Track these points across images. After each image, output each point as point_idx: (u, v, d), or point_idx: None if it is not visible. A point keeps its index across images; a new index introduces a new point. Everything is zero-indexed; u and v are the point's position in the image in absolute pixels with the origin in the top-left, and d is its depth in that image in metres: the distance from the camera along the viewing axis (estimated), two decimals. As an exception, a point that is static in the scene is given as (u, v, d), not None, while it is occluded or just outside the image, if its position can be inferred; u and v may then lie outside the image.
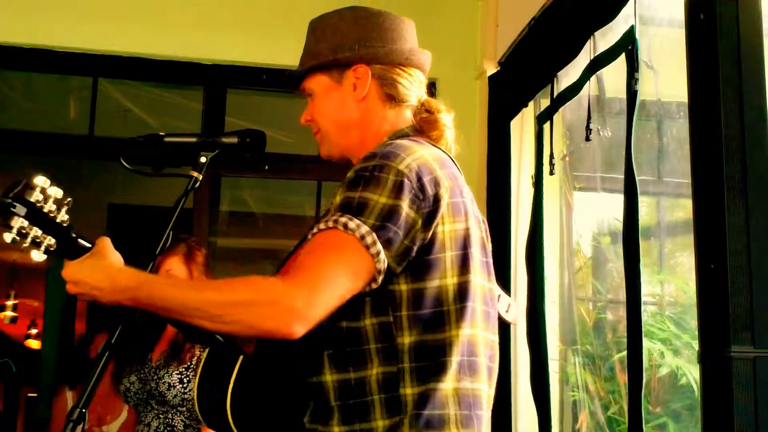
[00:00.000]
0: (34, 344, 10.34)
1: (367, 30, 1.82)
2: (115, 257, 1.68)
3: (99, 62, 4.16)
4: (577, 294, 3.59)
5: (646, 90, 2.90)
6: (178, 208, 1.81)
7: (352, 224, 1.54)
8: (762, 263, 2.09)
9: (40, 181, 1.70)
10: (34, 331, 10.59)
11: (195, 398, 1.78)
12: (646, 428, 2.48)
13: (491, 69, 4.04)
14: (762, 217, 2.12)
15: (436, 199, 1.63)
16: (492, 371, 1.73)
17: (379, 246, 1.54)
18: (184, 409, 3.12)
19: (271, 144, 1.95)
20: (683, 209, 3.18)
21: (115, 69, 4.25)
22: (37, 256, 1.70)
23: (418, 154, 1.66)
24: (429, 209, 1.61)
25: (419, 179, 1.61)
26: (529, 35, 3.58)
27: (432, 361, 1.61)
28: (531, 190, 3.59)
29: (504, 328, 3.64)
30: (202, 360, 1.81)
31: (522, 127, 3.85)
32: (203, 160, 1.85)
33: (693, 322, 2.70)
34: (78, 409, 1.62)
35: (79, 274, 1.65)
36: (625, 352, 3.24)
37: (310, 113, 1.86)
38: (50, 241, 1.70)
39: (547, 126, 3.45)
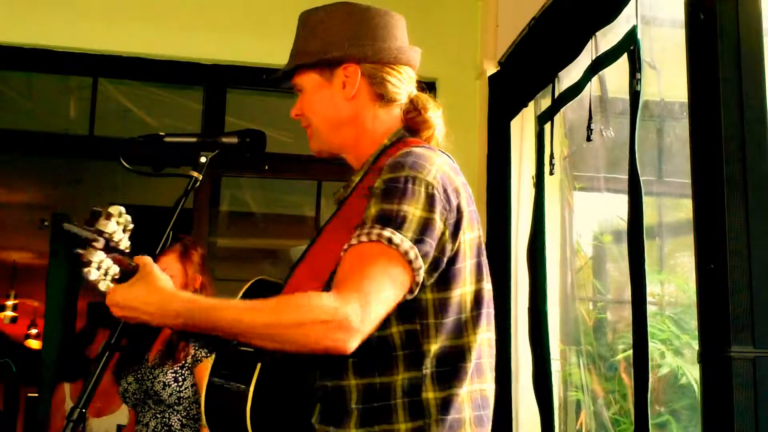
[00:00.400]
0: (34, 344, 10.34)
1: (356, 27, 1.82)
2: (164, 280, 1.65)
3: (99, 62, 4.17)
4: (577, 294, 3.59)
5: (649, 90, 2.90)
6: (178, 208, 1.81)
7: (396, 239, 1.57)
8: (762, 263, 2.09)
9: (116, 210, 1.68)
10: (34, 331, 10.59)
11: (204, 406, 1.77)
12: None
13: (491, 69, 4.04)
14: (762, 217, 2.12)
15: (459, 210, 1.68)
16: (493, 368, 1.77)
17: (421, 261, 1.58)
18: (181, 407, 3.12)
19: (271, 144, 1.95)
20: (684, 209, 3.17)
21: (115, 69, 4.25)
22: (105, 286, 1.65)
23: (438, 165, 1.70)
24: (454, 220, 1.66)
25: (445, 190, 1.66)
26: (529, 35, 3.58)
27: (452, 366, 1.65)
28: (531, 191, 3.59)
29: (505, 328, 3.66)
30: (209, 366, 1.79)
31: (522, 127, 3.85)
32: (203, 160, 1.85)
33: (693, 322, 2.69)
34: (78, 409, 1.62)
35: (130, 298, 1.62)
36: (625, 353, 3.24)
37: (300, 108, 1.86)
38: (116, 270, 1.68)
39: (548, 126, 3.45)
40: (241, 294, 1.80)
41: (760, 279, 2.08)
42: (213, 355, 1.83)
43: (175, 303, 1.60)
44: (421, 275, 1.59)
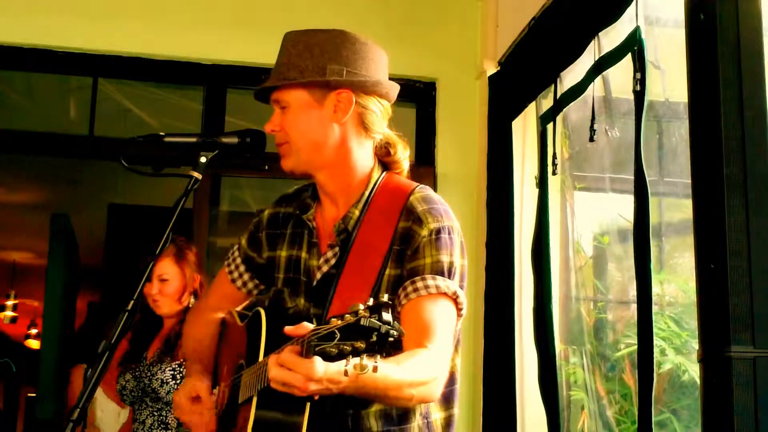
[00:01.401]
0: (34, 344, 10.34)
1: (354, 56, 1.84)
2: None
3: (99, 62, 4.16)
4: (577, 294, 3.59)
5: (653, 90, 2.89)
6: (178, 208, 1.81)
7: (459, 292, 1.79)
8: (762, 263, 2.09)
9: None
10: (34, 331, 10.59)
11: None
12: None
13: (491, 69, 4.03)
14: (762, 217, 2.12)
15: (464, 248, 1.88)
16: None
17: (464, 307, 1.82)
18: (178, 405, 3.13)
19: (271, 144, 1.95)
20: (685, 209, 3.17)
21: (115, 69, 4.25)
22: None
23: (448, 208, 1.88)
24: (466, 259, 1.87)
25: (460, 234, 1.86)
26: (530, 35, 3.58)
27: (449, 388, 1.85)
28: (533, 191, 3.59)
29: (509, 328, 3.66)
30: (254, 402, 1.75)
31: (525, 127, 3.85)
32: (203, 160, 1.85)
33: (693, 322, 2.69)
34: (78, 409, 1.62)
35: (325, 371, 1.50)
36: (624, 352, 3.24)
37: (279, 124, 1.87)
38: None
39: (550, 126, 3.44)
40: (264, 332, 1.80)
41: (760, 279, 2.08)
42: None
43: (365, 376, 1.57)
44: (461, 319, 1.83)
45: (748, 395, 2.03)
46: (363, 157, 1.89)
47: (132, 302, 1.73)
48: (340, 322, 1.41)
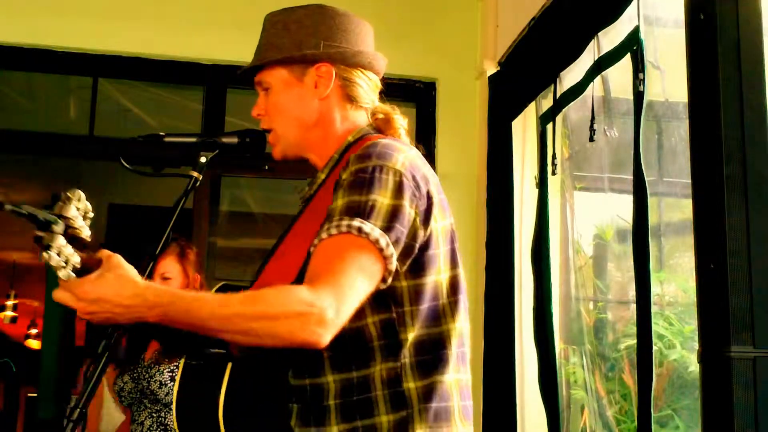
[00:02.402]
0: (34, 344, 10.34)
1: (332, 29, 1.81)
2: (134, 271, 1.57)
3: (99, 62, 4.16)
4: (577, 293, 3.59)
5: (652, 90, 2.89)
6: (178, 208, 1.80)
7: (366, 228, 1.55)
8: (762, 263, 2.09)
9: (75, 195, 1.62)
10: (34, 331, 10.59)
11: (174, 409, 1.76)
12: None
13: (491, 69, 4.03)
14: (762, 217, 2.12)
15: (429, 196, 1.66)
16: (468, 360, 1.78)
17: (392, 248, 1.57)
18: (176, 407, 3.13)
19: (271, 144, 1.95)
20: (685, 209, 3.17)
21: (115, 69, 4.25)
22: (65, 274, 1.57)
23: (406, 153, 1.68)
24: (425, 206, 1.65)
25: (413, 177, 1.64)
26: (530, 35, 3.58)
27: (433, 354, 1.64)
28: (533, 191, 3.59)
29: (509, 328, 3.66)
30: (180, 368, 1.77)
31: (524, 127, 3.85)
32: (203, 160, 1.85)
33: (693, 322, 2.69)
34: (78, 409, 1.62)
35: (98, 290, 1.53)
36: (625, 352, 3.24)
37: (263, 107, 1.84)
38: (77, 258, 1.61)
39: (550, 126, 3.45)
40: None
41: (760, 279, 2.08)
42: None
43: (150, 293, 1.53)
44: (394, 263, 1.58)
45: (748, 395, 2.03)
46: (346, 125, 1.82)
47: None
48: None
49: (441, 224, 1.69)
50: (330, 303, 1.50)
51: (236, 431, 1.64)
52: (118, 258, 1.59)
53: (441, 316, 1.67)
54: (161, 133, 1.86)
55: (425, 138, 4.28)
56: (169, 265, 3.30)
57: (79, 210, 1.63)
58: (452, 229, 1.73)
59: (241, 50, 4.16)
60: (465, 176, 4.16)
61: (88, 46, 4.11)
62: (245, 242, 6.28)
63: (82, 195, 1.63)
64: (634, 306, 2.76)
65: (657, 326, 3.08)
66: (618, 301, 3.52)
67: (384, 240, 1.56)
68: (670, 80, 3.11)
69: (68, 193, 1.59)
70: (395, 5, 4.31)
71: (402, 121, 1.86)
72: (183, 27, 4.16)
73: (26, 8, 4.06)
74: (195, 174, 1.83)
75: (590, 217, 3.67)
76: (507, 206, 3.73)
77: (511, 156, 3.76)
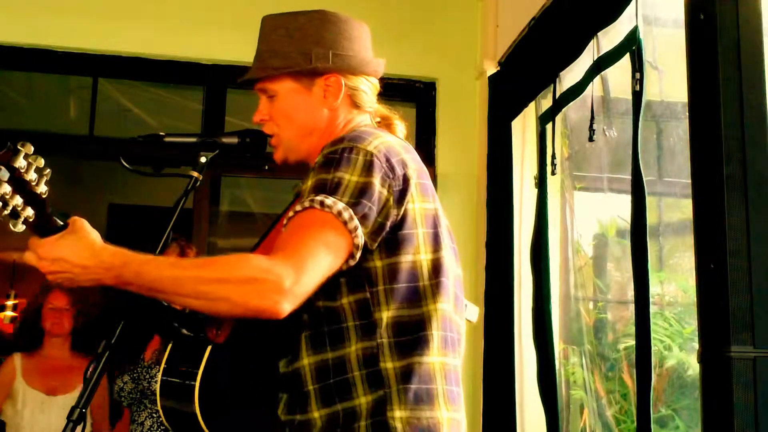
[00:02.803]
0: (34, 344, 10.33)
1: (336, 37, 1.81)
2: (96, 235, 1.60)
3: (99, 62, 4.16)
4: (577, 293, 3.59)
5: (651, 90, 2.89)
6: (178, 208, 1.81)
7: (328, 201, 1.55)
8: (762, 263, 2.09)
9: (25, 147, 1.60)
10: (34, 331, 10.57)
11: (158, 397, 1.76)
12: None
13: (491, 69, 4.03)
14: (762, 217, 2.12)
15: (405, 179, 1.66)
16: (462, 348, 1.76)
17: (356, 221, 1.56)
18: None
19: (271, 144, 1.95)
20: (685, 209, 3.17)
21: (115, 69, 4.25)
22: (16, 227, 1.61)
23: (383, 138, 1.69)
24: (399, 188, 1.64)
25: (387, 159, 1.64)
26: (530, 35, 3.58)
27: (412, 335, 1.63)
28: (533, 191, 3.59)
29: (509, 328, 3.66)
30: (165, 355, 1.78)
31: (524, 127, 3.85)
32: (203, 160, 1.85)
33: (693, 322, 2.70)
34: (78, 409, 1.62)
35: (58, 250, 1.58)
36: (625, 352, 3.24)
37: (268, 113, 1.83)
38: (29, 212, 1.62)
39: (549, 126, 3.45)
40: None
41: (760, 279, 2.08)
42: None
43: (106, 254, 1.55)
44: (360, 237, 1.57)
45: (748, 395, 2.03)
46: (348, 127, 1.82)
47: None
48: None
49: (420, 206, 1.68)
50: (287, 272, 1.49)
51: (215, 422, 1.64)
52: (83, 221, 1.62)
53: (422, 297, 1.65)
54: (161, 133, 1.86)
55: (425, 138, 4.28)
56: None
57: (30, 163, 1.61)
58: (436, 213, 1.72)
59: (241, 50, 4.15)
60: (465, 176, 4.16)
61: (88, 46, 4.11)
62: (245, 242, 6.27)
63: (32, 148, 1.60)
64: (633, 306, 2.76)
65: (656, 327, 3.08)
66: (618, 301, 3.52)
67: (347, 213, 1.55)
68: (669, 80, 3.11)
69: (18, 145, 1.58)
70: (395, 5, 4.31)
71: (401, 126, 1.88)
72: (183, 27, 4.16)
73: (26, 8, 4.06)
74: (195, 174, 1.83)
75: (590, 217, 3.67)
76: (507, 206, 3.73)
77: (511, 156, 3.76)
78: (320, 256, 1.53)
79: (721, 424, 2.06)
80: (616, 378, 3.33)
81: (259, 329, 1.60)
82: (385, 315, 1.62)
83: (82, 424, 1.61)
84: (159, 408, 1.75)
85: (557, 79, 3.34)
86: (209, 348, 1.66)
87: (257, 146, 1.90)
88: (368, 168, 1.61)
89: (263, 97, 1.85)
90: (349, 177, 1.59)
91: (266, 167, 4.00)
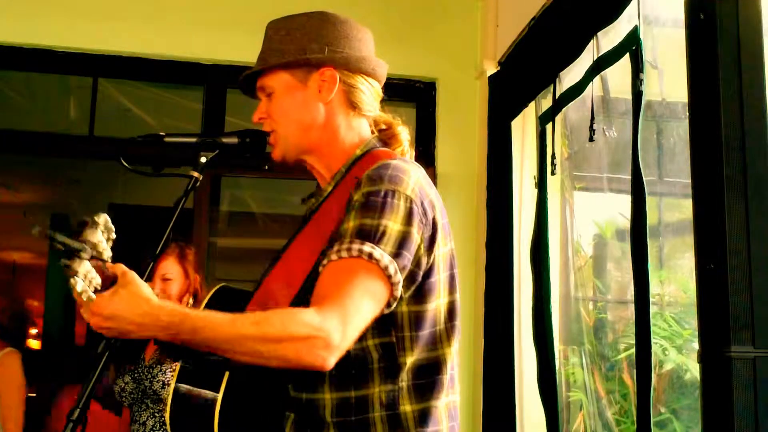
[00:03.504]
0: (34, 344, 10.34)
1: (335, 35, 1.82)
2: (147, 290, 1.58)
3: (99, 62, 4.16)
4: (577, 293, 3.59)
5: (651, 90, 2.89)
6: (178, 208, 1.80)
7: (376, 254, 1.57)
8: (762, 263, 2.09)
9: (102, 219, 1.64)
10: (34, 331, 10.59)
11: (168, 411, 1.76)
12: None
13: (491, 69, 4.03)
14: (762, 217, 2.12)
15: (434, 224, 1.69)
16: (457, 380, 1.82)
17: (399, 275, 1.59)
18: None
19: (271, 144, 1.94)
20: (685, 209, 3.17)
21: (115, 69, 4.25)
22: (87, 297, 1.61)
23: (416, 177, 1.70)
24: (429, 233, 1.67)
25: (422, 203, 1.66)
26: (530, 35, 3.58)
27: (429, 378, 1.68)
28: (533, 191, 3.59)
29: (508, 328, 3.66)
30: (176, 371, 1.78)
31: (524, 127, 3.85)
32: (203, 160, 1.84)
33: (693, 322, 2.70)
34: (78, 409, 1.62)
35: (113, 307, 1.56)
36: (625, 353, 3.24)
37: (266, 111, 1.85)
38: (98, 280, 1.64)
39: (549, 126, 3.44)
40: (205, 302, 1.78)
41: (760, 279, 2.08)
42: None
43: (164, 313, 1.55)
44: (399, 289, 1.60)
45: (748, 395, 2.03)
46: (351, 135, 1.83)
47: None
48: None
49: (443, 250, 1.71)
50: (336, 326, 1.52)
51: None
52: (132, 274, 1.60)
53: (437, 341, 1.70)
54: (161, 133, 1.86)
55: (425, 138, 4.28)
56: (170, 266, 3.30)
57: (103, 233, 1.66)
58: (452, 254, 1.75)
59: (241, 50, 4.16)
60: (465, 176, 4.16)
61: (88, 46, 4.11)
62: (245, 242, 6.27)
63: (107, 218, 1.66)
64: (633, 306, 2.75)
65: (656, 327, 3.08)
66: (618, 301, 3.52)
67: (393, 267, 1.58)
68: (669, 80, 3.11)
69: (95, 218, 1.62)
70: (395, 6, 4.31)
71: (406, 134, 1.88)
72: (183, 27, 4.16)
73: (26, 8, 4.06)
74: (195, 174, 1.83)
75: (590, 217, 3.67)
76: (506, 206, 3.73)
77: (511, 156, 3.76)
78: (365, 309, 1.57)
79: (721, 425, 2.06)
80: (616, 378, 3.33)
81: None
82: (409, 360, 1.66)
83: (82, 424, 1.61)
84: (168, 422, 1.75)
85: (557, 79, 3.34)
86: (227, 373, 1.66)
87: (257, 146, 1.90)
88: (409, 216, 1.63)
89: (263, 97, 1.86)
90: (393, 225, 1.61)
91: (266, 167, 4.00)
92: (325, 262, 1.60)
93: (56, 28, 4.07)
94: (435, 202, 1.71)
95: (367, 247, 1.57)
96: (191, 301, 3.32)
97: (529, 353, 3.50)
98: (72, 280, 1.58)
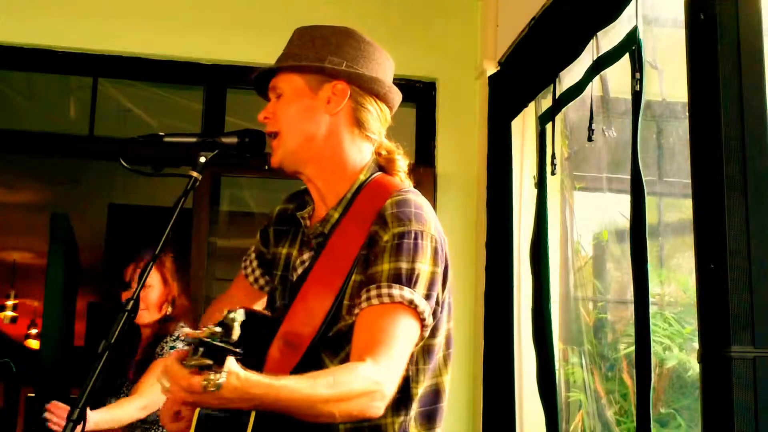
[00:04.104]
0: (34, 344, 10.34)
1: (356, 52, 1.83)
2: (235, 365, 1.49)
3: (99, 62, 4.16)
4: (576, 293, 3.59)
5: (650, 90, 2.89)
6: (178, 208, 1.80)
7: (416, 299, 1.66)
8: (762, 263, 2.09)
9: (239, 314, 1.50)
10: (34, 331, 10.59)
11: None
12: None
13: (491, 69, 4.03)
14: (762, 217, 2.12)
15: (446, 260, 1.76)
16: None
17: (431, 318, 1.69)
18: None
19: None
20: (685, 209, 3.18)
21: (115, 69, 4.24)
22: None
23: (430, 212, 1.77)
24: (444, 268, 1.76)
25: (441, 241, 1.75)
26: (530, 35, 3.58)
27: (430, 406, 1.77)
28: (533, 191, 3.59)
29: (508, 329, 3.66)
30: (194, 418, 1.73)
31: (524, 127, 3.85)
32: (203, 160, 1.85)
33: (693, 322, 2.70)
34: (78, 409, 1.62)
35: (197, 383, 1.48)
36: (624, 352, 3.24)
37: (272, 111, 1.85)
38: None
39: (549, 126, 3.44)
40: (237, 330, 1.72)
41: (760, 279, 2.08)
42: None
43: (250, 388, 1.50)
44: (428, 329, 1.70)
45: (748, 395, 2.03)
46: (354, 154, 1.83)
47: (131, 302, 1.72)
48: (199, 334, 1.42)
49: (448, 283, 1.79)
50: (390, 378, 1.61)
51: None
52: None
53: (437, 369, 1.79)
54: (161, 133, 1.86)
55: (425, 138, 4.28)
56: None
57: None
58: (447, 280, 1.80)
59: (241, 50, 4.19)
60: (464, 176, 4.16)
61: (88, 46, 4.11)
62: (245, 242, 6.26)
63: (242, 311, 1.52)
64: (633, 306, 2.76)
65: (656, 327, 3.08)
66: (617, 301, 3.52)
67: (428, 310, 1.68)
68: (668, 80, 3.11)
69: (234, 315, 1.49)
70: (395, 5, 4.31)
71: (403, 163, 1.90)
72: (183, 27, 4.16)
73: (26, 8, 4.06)
74: (195, 174, 1.83)
75: (589, 217, 3.67)
76: (506, 206, 3.73)
77: (511, 156, 3.76)
78: (407, 353, 1.67)
79: (721, 424, 2.06)
80: (615, 378, 3.33)
81: None
82: (420, 390, 1.74)
83: (82, 424, 1.61)
84: None
85: (557, 79, 3.34)
86: (253, 414, 1.64)
87: (257, 146, 1.90)
88: (435, 256, 1.72)
89: (273, 97, 1.86)
90: (425, 268, 1.69)
91: (266, 167, 3.98)
92: (364, 306, 1.66)
93: (56, 28, 4.07)
94: (444, 235, 1.78)
95: (408, 293, 1.65)
96: (170, 309, 3.28)
97: (529, 353, 3.50)
98: (213, 378, 1.46)
